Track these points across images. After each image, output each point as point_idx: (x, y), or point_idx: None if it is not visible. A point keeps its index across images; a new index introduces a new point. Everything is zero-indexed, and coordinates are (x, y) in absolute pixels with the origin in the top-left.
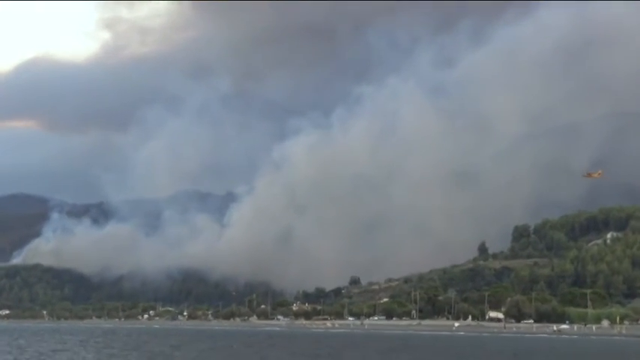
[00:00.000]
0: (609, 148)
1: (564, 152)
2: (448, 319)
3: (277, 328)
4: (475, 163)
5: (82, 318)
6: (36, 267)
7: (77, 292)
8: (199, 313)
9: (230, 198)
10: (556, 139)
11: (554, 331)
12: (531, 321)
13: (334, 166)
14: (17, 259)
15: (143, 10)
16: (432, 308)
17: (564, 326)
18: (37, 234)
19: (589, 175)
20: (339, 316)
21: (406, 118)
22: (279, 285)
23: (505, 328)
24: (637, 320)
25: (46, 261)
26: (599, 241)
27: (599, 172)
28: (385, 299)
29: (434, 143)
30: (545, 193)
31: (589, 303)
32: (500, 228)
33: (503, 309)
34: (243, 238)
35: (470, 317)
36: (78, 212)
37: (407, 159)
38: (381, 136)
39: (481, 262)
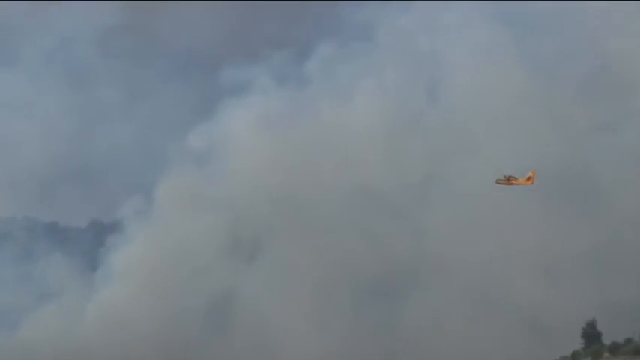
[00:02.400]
0: None
1: None
2: None
3: None
4: (590, 162)
5: None
6: None
7: None
8: None
9: (107, 230)
10: None
11: None
12: None
13: (314, 165)
14: None
15: None
16: None
17: None
18: None
19: (508, 180)
20: None
21: (458, 70)
22: None
23: None
24: None
25: None
26: None
27: (531, 173)
28: None
29: (511, 121)
30: None
31: None
32: (628, 292)
33: None
34: (132, 309)
35: None
36: None
37: (456, 154)
38: (407, 103)
39: None
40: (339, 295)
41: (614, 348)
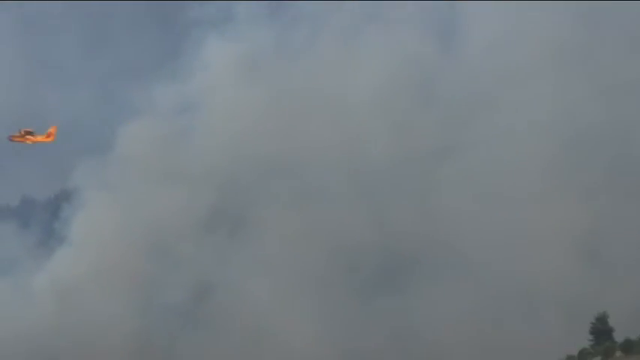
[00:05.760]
0: None
1: None
2: None
3: None
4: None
5: None
6: None
7: None
8: None
9: (61, 200)
10: None
11: None
12: None
13: (310, 126)
14: None
15: None
16: None
17: None
18: None
19: (23, 136)
20: None
21: (477, 20)
22: None
23: None
24: None
25: None
26: None
27: (52, 129)
28: None
29: (540, 79)
30: None
31: None
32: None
33: None
34: (91, 291)
35: None
36: None
37: (475, 118)
38: (418, 58)
39: None
40: (336, 281)
41: (628, 346)
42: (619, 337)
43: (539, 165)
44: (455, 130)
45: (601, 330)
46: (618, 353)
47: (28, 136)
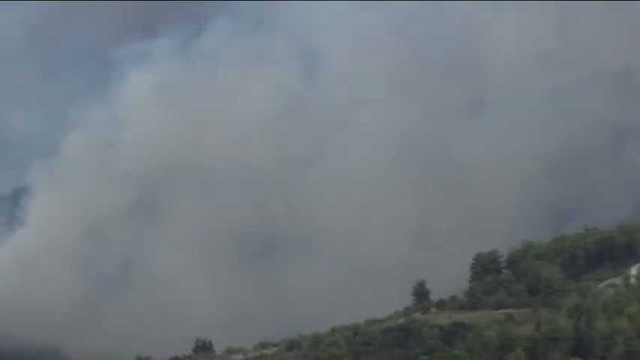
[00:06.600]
0: None
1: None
2: None
3: None
4: (453, 142)
5: None
6: None
7: None
8: None
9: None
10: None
11: None
12: None
13: (208, 137)
14: None
15: None
16: None
17: None
18: None
19: None
20: None
21: (335, 59)
22: (76, 354)
23: None
24: None
25: None
26: (618, 280)
27: None
28: None
29: (382, 105)
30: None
31: None
32: (452, 256)
33: None
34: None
35: None
36: None
37: (333, 136)
38: (289, 88)
39: (418, 315)
40: (229, 257)
41: (442, 305)
42: (435, 297)
43: (382, 170)
44: (319, 143)
45: (420, 292)
46: (433, 310)
47: None
